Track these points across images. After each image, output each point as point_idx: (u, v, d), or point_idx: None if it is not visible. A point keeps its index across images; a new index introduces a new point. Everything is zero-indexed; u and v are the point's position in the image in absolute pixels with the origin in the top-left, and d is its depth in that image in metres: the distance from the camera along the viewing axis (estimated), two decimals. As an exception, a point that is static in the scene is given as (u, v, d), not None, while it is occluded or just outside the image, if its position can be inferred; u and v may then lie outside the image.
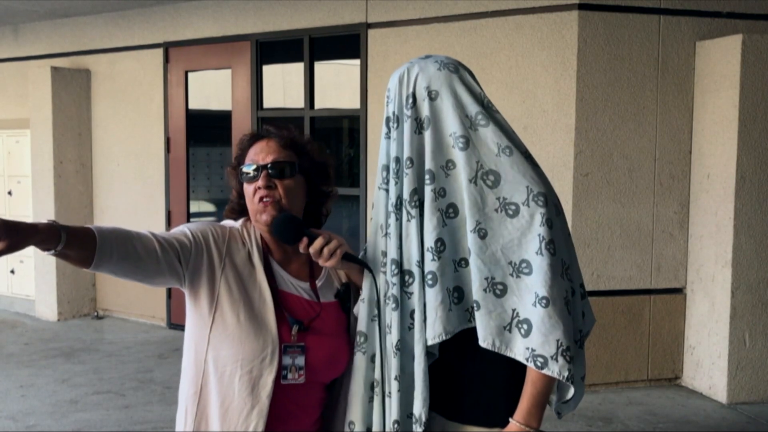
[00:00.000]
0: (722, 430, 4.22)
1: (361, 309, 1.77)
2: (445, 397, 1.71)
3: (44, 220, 1.48)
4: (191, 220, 6.44)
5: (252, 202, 1.78)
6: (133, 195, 6.69)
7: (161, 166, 6.49)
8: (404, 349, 1.67)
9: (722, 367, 4.61)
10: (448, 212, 1.66)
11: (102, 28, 6.75)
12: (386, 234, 1.71)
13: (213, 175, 6.56)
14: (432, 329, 1.63)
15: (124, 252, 1.59)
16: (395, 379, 1.67)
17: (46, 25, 7.07)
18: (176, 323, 6.43)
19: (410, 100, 1.69)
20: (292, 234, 1.73)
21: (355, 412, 1.75)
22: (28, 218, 6.84)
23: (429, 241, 1.64)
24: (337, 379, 1.86)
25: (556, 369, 1.55)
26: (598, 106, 4.68)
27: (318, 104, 5.80)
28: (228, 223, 1.87)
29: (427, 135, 1.67)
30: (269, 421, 1.70)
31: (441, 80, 1.68)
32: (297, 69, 5.84)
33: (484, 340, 1.60)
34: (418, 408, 1.65)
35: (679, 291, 4.94)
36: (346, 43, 5.59)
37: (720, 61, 4.62)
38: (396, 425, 1.66)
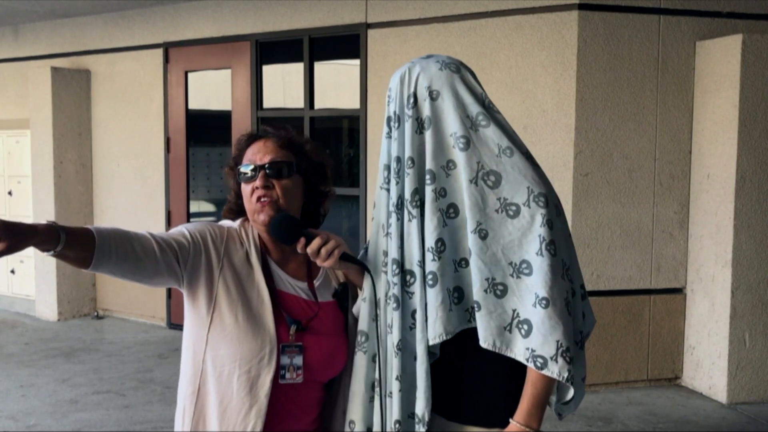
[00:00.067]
0: (722, 430, 4.22)
1: (362, 309, 1.77)
2: (445, 397, 1.71)
3: (43, 221, 1.48)
4: (191, 220, 6.44)
5: (250, 202, 1.78)
6: (133, 195, 6.69)
7: (161, 166, 6.49)
8: (405, 348, 1.67)
9: (722, 367, 4.61)
10: (449, 212, 1.66)
11: (102, 29, 6.75)
12: (387, 234, 1.71)
13: (213, 175, 6.56)
14: (432, 329, 1.63)
15: (123, 252, 1.59)
16: (396, 378, 1.67)
17: (46, 25, 7.07)
18: (176, 323, 6.43)
19: (411, 100, 1.69)
20: (289, 234, 1.73)
21: (355, 412, 1.75)
22: (28, 218, 6.84)
23: (429, 241, 1.64)
24: (336, 378, 1.86)
25: (555, 370, 1.55)
26: (598, 106, 4.68)
27: (318, 104, 5.80)
28: (226, 223, 1.87)
29: (428, 135, 1.67)
30: (267, 420, 1.71)
31: (442, 80, 1.68)
32: (297, 69, 5.84)
33: (485, 341, 1.60)
34: (421, 408, 1.65)
35: (679, 291, 4.94)
36: (345, 43, 5.59)
37: (720, 61, 4.62)
38: (397, 425, 1.66)
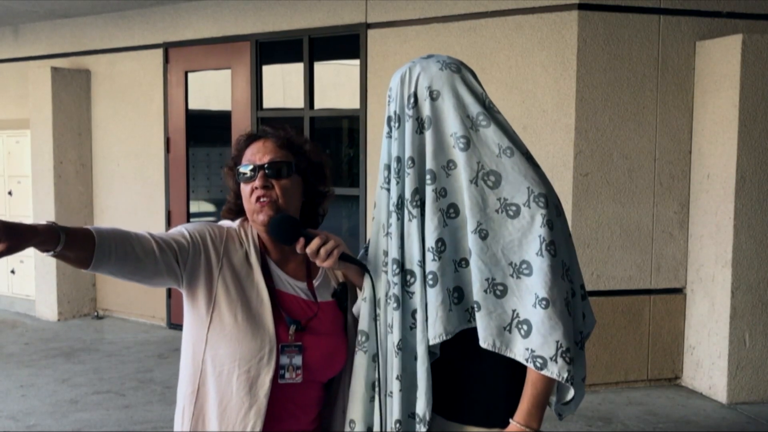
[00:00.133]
0: (722, 430, 4.22)
1: (362, 308, 1.77)
2: (445, 397, 1.71)
3: (43, 221, 1.48)
4: (191, 220, 6.44)
5: (249, 202, 1.78)
6: (133, 195, 6.69)
7: (161, 166, 6.49)
8: (406, 348, 1.67)
9: (722, 367, 4.61)
10: (449, 212, 1.66)
11: (102, 29, 6.75)
12: (388, 233, 1.71)
13: (213, 175, 6.56)
14: (433, 329, 1.63)
15: (123, 253, 1.60)
16: (397, 378, 1.67)
17: (46, 25, 7.07)
18: (176, 323, 6.43)
19: (412, 100, 1.69)
20: (288, 234, 1.73)
21: (355, 411, 1.75)
22: (28, 218, 6.84)
23: (430, 241, 1.64)
24: (335, 377, 1.86)
25: (555, 370, 1.55)
26: (598, 106, 4.68)
27: (318, 104, 5.80)
28: (225, 223, 1.87)
29: (428, 135, 1.67)
30: (267, 420, 1.71)
31: (443, 80, 1.68)
32: (297, 69, 5.84)
33: (485, 341, 1.60)
34: (422, 408, 1.65)
35: (679, 291, 4.94)
36: (345, 43, 5.59)
37: (720, 61, 4.62)
38: (398, 425, 1.66)
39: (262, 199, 1.75)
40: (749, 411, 4.50)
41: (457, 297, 1.65)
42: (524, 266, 1.60)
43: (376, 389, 1.73)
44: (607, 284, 4.79)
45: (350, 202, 5.69)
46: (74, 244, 1.51)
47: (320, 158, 1.89)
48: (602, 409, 4.51)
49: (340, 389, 1.86)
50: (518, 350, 1.60)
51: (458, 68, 1.71)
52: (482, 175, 1.63)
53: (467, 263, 1.64)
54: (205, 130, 6.63)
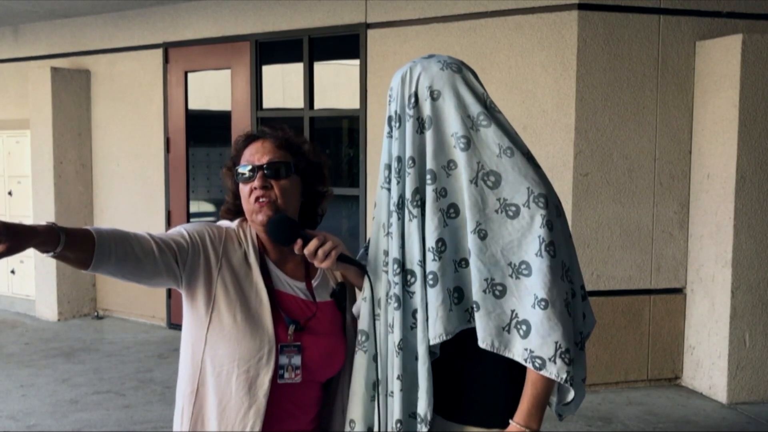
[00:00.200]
0: (722, 430, 4.22)
1: (362, 308, 1.77)
2: (444, 397, 1.71)
3: (43, 222, 1.48)
4: (191, 220, 6.45)
5: (248, 202, 1.78)
6: (133, 195, 6.69)
7: (161, 166, 6.49)
8: (406, 348, 1.67)
9: (722, 367, 4.61)
10: (449, 212, 1.66)
11: (102, 29, 6.75)
12: (388, 233, 1.71)
13: (213, 175, 6.56)
14: (433, 329, 1.63)
15: (123, 253, 1.60)
16: (398, 378, 1.67)
17: (46, 25, 7.07)
18: (176, 323, 6.42)
19: (412, 100, 1.69)
20: (287, 235, 1.73)
21: (356, 411, 1.75)
22: (28, 218, 6.84)
23: (430, 241, 1.64)
24: (333, 377, 1.87)
25: (554, 371, 1.55)
26: (598, 106, 4.68)
27: (317, 104, 5.80)
28: (224, 223, 1.87)
29: (429, 135, 1.67)
30: (266, 420, 1.71)
31: (443, 80, 1.68)
32: (296, 69, 5.84)
33: (483, 341, 1.60)
34: (423, 408, 1.65)
35: (679, 291, 4.94)
36: (345, 43, 5.59)
37: (720, 61, 4.62)
38: (399, 424, 1.66)
39: (261, 200, 1.75)
40: (749, 411, 4.50)
41: (457, 297, 1.65)
42: (523, 267, 1.60)
43: (375, 389, 1.73)
44: (607, 284, 4.79)
45: (350, 202, 5.69)
46: (74, 245, 1.51)
47: (319, 158, 1.89)
48: (602, 409, 4.51)
49: (339, 389, 1.87)
50: (517, 350, 1.60)
51: (459, 68, 1.71)
52: (482, 175, 1.63)
53: (467, 263, 1.64)
54: (205, 130, 6.63)
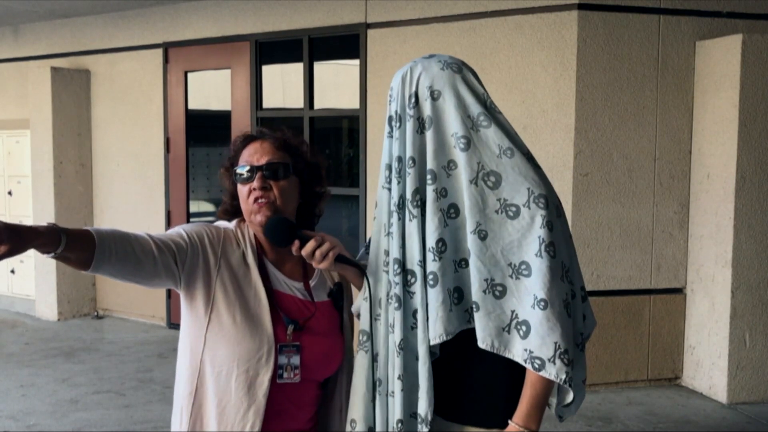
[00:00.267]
0: (722, 430, 4.22)
1: (362, 308, 1.77)
2: (444, 397, 1.71)
3: (44, 223, 1.48)
4: (191, 220, 6.45)
5: (246, 203, 1.79)
6: (133, 195, 6.69)
7: (161, 166, 6.49)
8: (407, 348, 1.67)
9: (722, 367, 4.61)
10: (450, 212, 1.66)
11: (102, 29, 6.75)
12: (389, 233, 1.71)
13: (213, 175, 6.56)
14: (433, 329, 1.63)
15: (123, 254, 1.60)
16: (398, 378, 1.67)
17: (46, 25, 7.07)
18: (176, 323, 6.42)
19: (413, 100, 1.69)
20: (284, 236, 1.74)
21: (356, 411, 1.75)
22: (28, 218, 6.84)
23: (430, 242, 1.64)
24: (331, 376, 1.88)
25: (553, 371, 1.55)
26: (598, 106, 4.68)
27: (317, 104, 5.80)
28: (222, 224, 1.88)
29: (429, 135, 1.67)
30: (265, 419, 1.72)
31: (444, 80, 1.68)
32: (296, 69, 5.84)
33: (483, 341, 1.60)
34: (424, 408, 1.65)
35: (679, 291, 4.94)
36: (345, 43, 5.59)
37: (720, 61, 4.62)
38: (399, 424, 1.66)
39: (260, 200, 1.76)
40: (749, 411, 4.50)
41: (457, 297, 1.65)
42: (523, 267, 1.60)
43: (379, 389, 1.73)
44: (607, 284, 4.79)
45: (350, 202, 5.69)
46: (75, 246, 1.51)
47: (317, 159, 1.90)
48: (602, 409, 4.51)
49: (337, 388, 1.88)
50: (517, 351, 1.59)
51: (459, 68, 1.70)
52: (482, 175, 1.63)
53: (467, 264, 1.64)
54: (205, 130, 6.63)
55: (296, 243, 1.72)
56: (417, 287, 1.66)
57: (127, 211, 6.71)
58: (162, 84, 6.44)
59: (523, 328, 1.59)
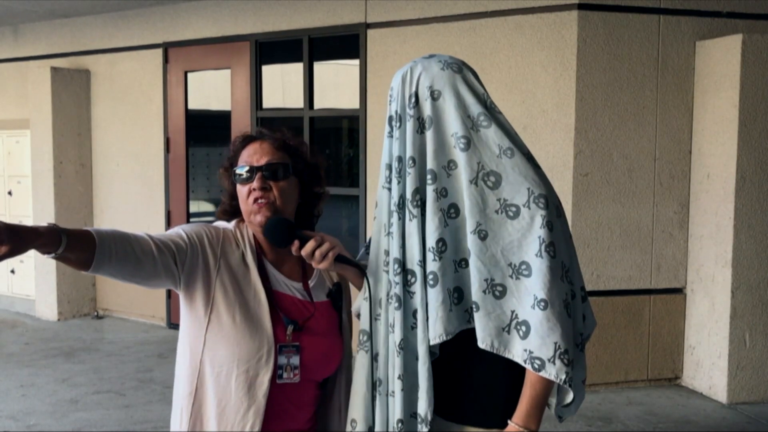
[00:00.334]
0: (722, 430, 4.22)
1: (362, 308, 1.77)
2: (443, 397, 1.71)
3: (44, 223, 1.48)
4: (191, 220, 6.45)
5: (246, 203, 1.78)
6: (133, 195, 6.69)
7: (161, 166, 6.49)
8: (407, 348, 1.67)
9: (722, 367, 4.61)
10: (450, 212, 1.66)
11: (101, 29, 6.75)
12: (389, 233, 1.71)
13: (213, 175, 6.56)
14: (433, 329, 1.63)
15: (123, 254, 1.60)
16: (399, 378, 1.67)
17: (45, 25, 7.07)
18: (176, 323, 6.42)
19: (413, 100, 1.69)
20: (284, 237, 1.73)
21: (356, 411, 1.75)
22: (28, 218, 6.84)
23: (431, 241, 1.64)
24: (330, 376, 1.88)
25: (553, 372, 1.55)
26: (598, 106, 4.68)
27: (317, 104, 5.80)
28: (221, 224, 1.88)
29: (429, 135, 1.67)
30: (265, 419, 1.72)
31: (444, 80, 1.68)
32: (296, 69, 5.84)
33: (483, 341, 1.60)
34: (423, 408, 1.65)
35: (679, 291, 4.94)
36: (345, 43, 5.59)
37: (720, 61, 4.62)
38: (399, 424, 1.66)
39: (259, 201, 1.76)
40: (749, 411, 4.50)
41: (457, 297, 1.65)
42: (523, 267, 1.60)
43: (379, 389, 1.73)
44: (607, 284, 4.79)
45: (350, 202, 5.69)
46: (75, 246, 1.50)
47: (316, 160, 1.90)
48: (602, 409, 4.51)
49: (336, 388, 1.88)
50: (516, 351, 1.59)
51: (460, 68, 1.70)
52: (482, 175, 1.63)
53: (467, 263, 1.64)
54: (205, 130, 6.63)
55: (296, 243, 1.72)
56: (417, 287, 1.66)
57: (127, 211, 6.71)
58: (162, 84, 6.44)
59: (523, 328, 1.59)
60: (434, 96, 1.68)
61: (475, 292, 1.61)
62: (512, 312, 1.60)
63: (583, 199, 4.70)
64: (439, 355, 1.67)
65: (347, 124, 5.98)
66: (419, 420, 1.66)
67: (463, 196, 1.64)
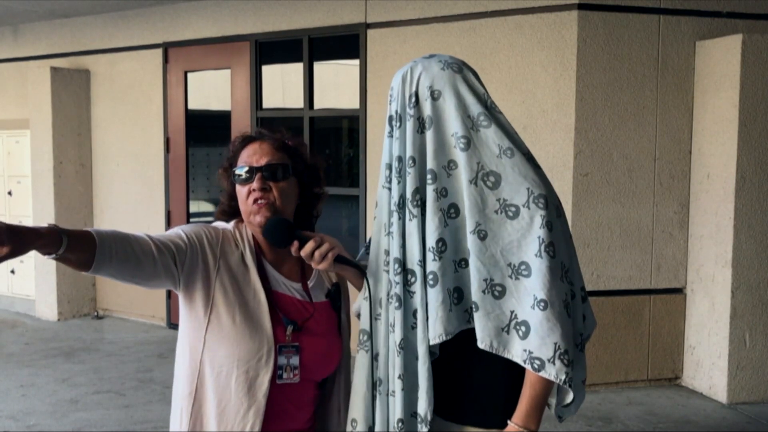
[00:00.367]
0: (722, 430, 4.22)
1: (362, 307, 1.77)
2: (443, 397, 1.71)
3: (44, 224, 1.48)
4: (191, 220, 6.45)
5: (245, 203, 1.78)
6: (132, 195, 6.69)
7: (161, 166, 6.49)
8: (407, 347, 1.67)
9: (722, 367, 4.61)
10: (450, 212, 1.66)
11: (101, 29, 6.75)
12: (389, 233, 1.71)
13: (212, 175, 6.55)
14: (433, 329, 1.63)
15: (123, 255, 1.60)
16: (399, 377, 1.67)
17: (45, 25, 7.07)
18: (176, 323, 6.38)
19: (413, 99, 1.69)
20: (283, 237, 1.73)
21: (357, 411, 1.75)
22: (28, 218, 6.84)
23: (431, 241, 1.64)
24: (329, 376, 1.88)
25: (553, 372, 1.55)
26: (598, 106, 4.68)
27: (317, 104, 5.80)
28: (220, 224, 1.88)
29: (429, 134, 1.67)
30: (265, 419, 1.72)
31: (444, 80, 1.68)
32: (296, 69, 5.84)
33: (482, 342, 1.60)
34: (423, 407, 1.65)
35: (679, 291, 4.94)
36: (345, 43, 5.58)
37: (720, 61, 4.62)
38: (400, 424, 1.66)
39: (259, 201, 1.76)
40: (749, 411, 4.50)
41: (457, 297, 1.65)
42: (523, 267, 1.60)
43: (379, 389, 1.73)
44: (607, 284, 4.79)
45: (350, 202, 5.69)
46: (76, 247, 1.50)
47: (316, 160, 1.90)
48: (602, 409, 4.51)
49: (335, 388, 1.89)
50: (516, 351, 1.59)
51: (460, 68, 1.70)
52: (482, 175, 1.63)
53: (467, 263, 1.64)
54: (204, 130, 6.63)
55: (295, 244, 1.72)
56: (417, 287, 1.66)
57: (127, 211, 6.71)
58: (162, 84, 6.44)
59: (523, 328, 1.59)
60: (434, 96, 1.68)
61: (475, 292, 1.61)
62: (512, 312, 1.60)
63: (583, 199, 4.70)
64: (439, 355, 1.67)
65: (347, 124, 5.98)
66: (419, 420, 1.66)
67: (463, 196, 1.64)
